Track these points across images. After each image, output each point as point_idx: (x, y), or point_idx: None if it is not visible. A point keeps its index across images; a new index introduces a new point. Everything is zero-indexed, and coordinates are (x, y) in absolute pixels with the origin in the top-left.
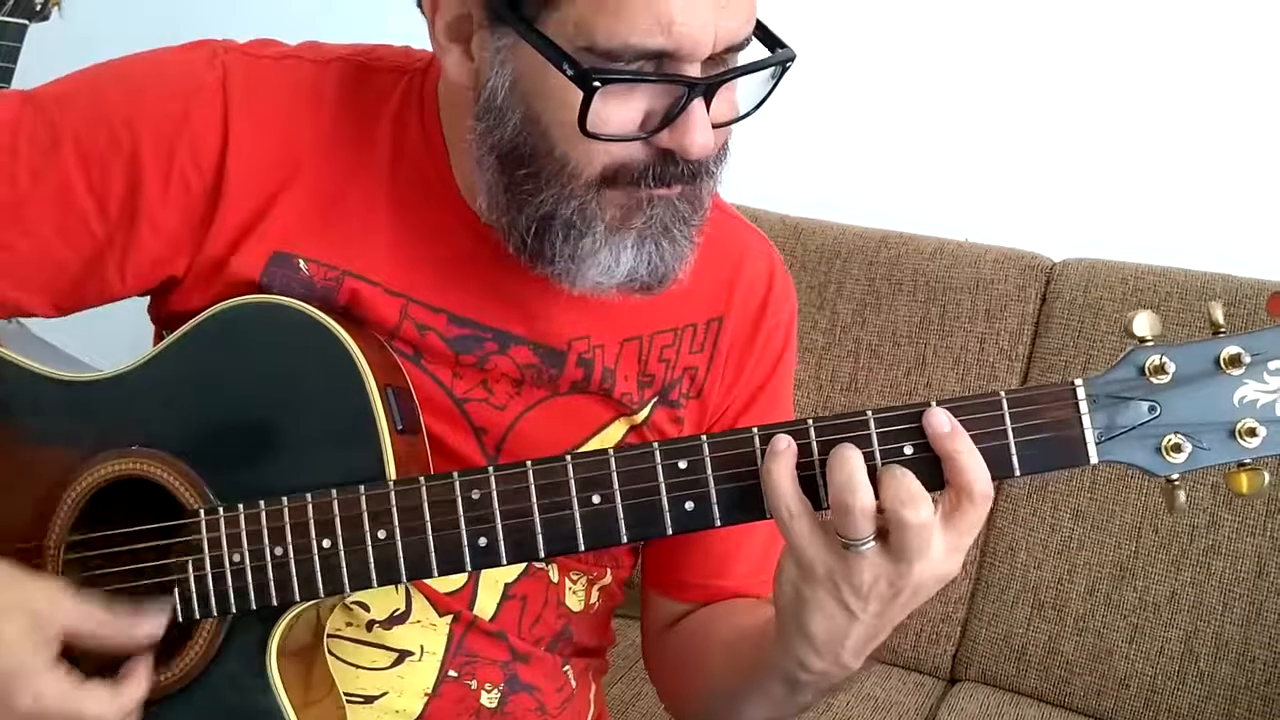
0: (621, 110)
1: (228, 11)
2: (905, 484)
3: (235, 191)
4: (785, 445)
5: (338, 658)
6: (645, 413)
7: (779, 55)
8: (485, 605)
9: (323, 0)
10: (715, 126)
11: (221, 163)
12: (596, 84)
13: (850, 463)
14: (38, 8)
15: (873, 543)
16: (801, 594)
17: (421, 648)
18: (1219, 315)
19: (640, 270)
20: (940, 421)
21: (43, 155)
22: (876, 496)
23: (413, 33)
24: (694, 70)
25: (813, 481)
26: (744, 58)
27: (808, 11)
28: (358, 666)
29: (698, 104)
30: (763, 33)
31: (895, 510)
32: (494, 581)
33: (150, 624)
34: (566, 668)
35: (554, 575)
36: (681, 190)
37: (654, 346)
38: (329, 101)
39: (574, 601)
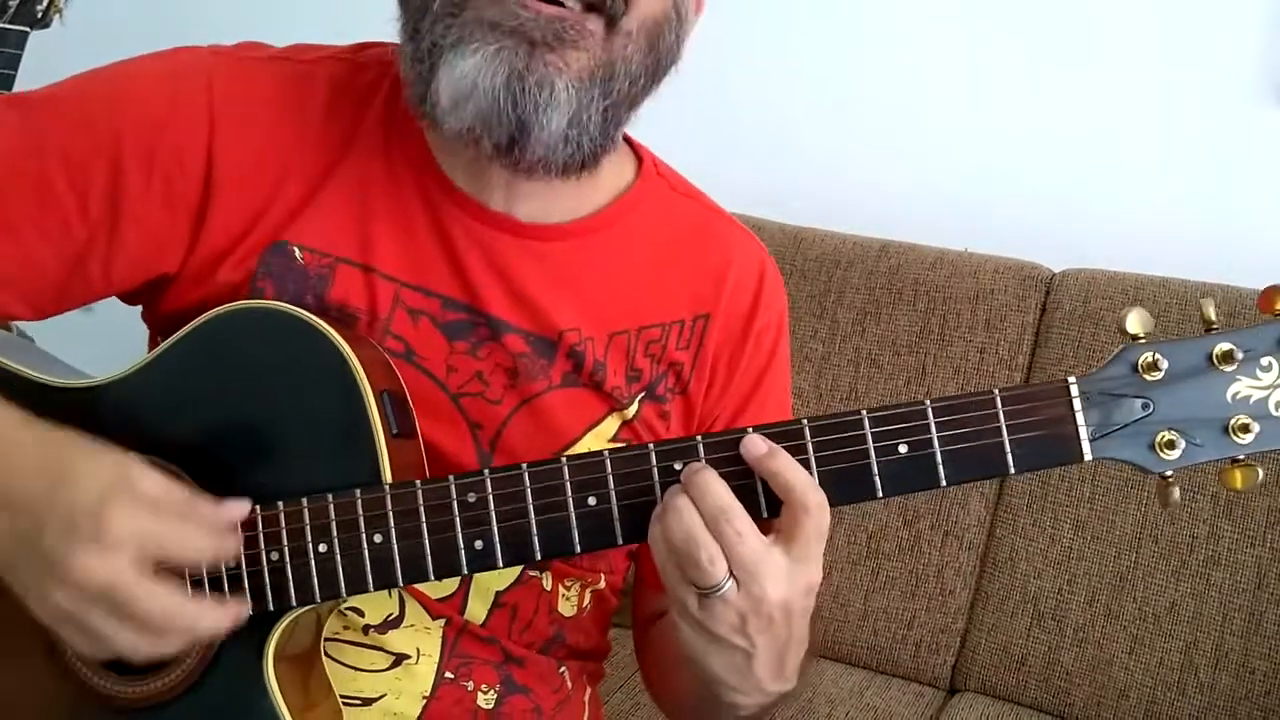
0: None
1: (230, 20)
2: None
3: (227, 188)
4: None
5: (336, 660)
6: (634, 408)
7: None
8: (476, 611)
9: (325, 9)
10: None
11: (209, 161)
12: None
13: (686, 517)
14: (39, 15)
15: (730, 583)
16: (695, 647)
17: (418, 650)
18: (1211, 312)
19: (485, 83)
20: (757, 445)
21: (26, 157)
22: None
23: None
24: None
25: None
26: None
27: (807, 22)
28: (356, 669)
29: None
30: None
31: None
32: (485, 588)
33: (236, 509)
34: (563, 669)
35: (547, 583)
36: (570, 19)
37: (641, 341)
38: (319, 97)
39: (566, 608)
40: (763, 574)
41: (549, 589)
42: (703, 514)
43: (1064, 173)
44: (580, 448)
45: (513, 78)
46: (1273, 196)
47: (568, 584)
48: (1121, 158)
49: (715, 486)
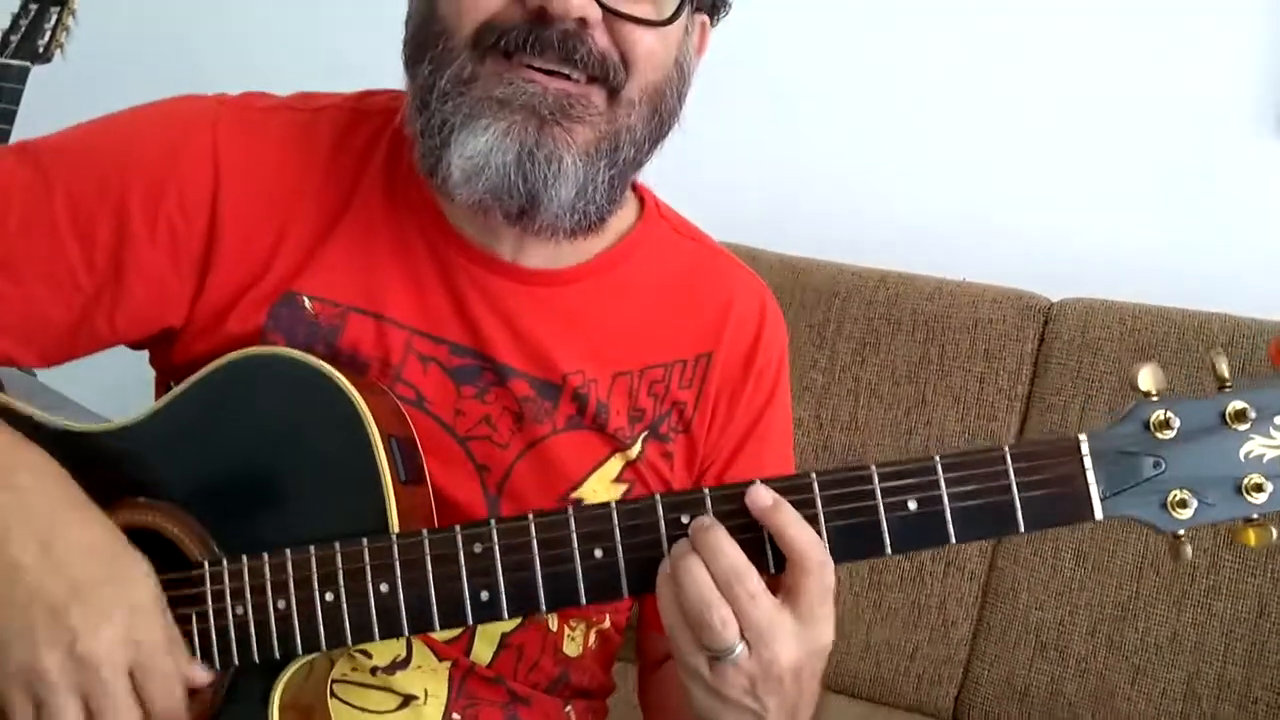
0: None
1: (231, 54)
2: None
3: (231, 239)
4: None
5: (344, 701)
6: (638, 447)
7: None
8: (482, 653)
9: (320, 49)
10: (610, 11)
11: (213, 211)
12: None
13: (699, 579)
14: (40, 50)
15: (741, 646)
16: (706, 709)
17: (425, 691)
18: (1224, 369)
19: (498, 160)
20: (762, 496)
21: (34, 206)
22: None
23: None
24: None
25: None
26: None
27: (805, 54)
28: (365, 710)
29: None
30: None
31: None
32: (491, 630)
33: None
34: (568, 709)
35: (553, 625)
36: (575, 94)
37: (644, 381)
38: (323, 146)
39: (572, 648)
40: (774, 637)
41: (554, 630)
42: (714, 575)
43: (1062, 202)
44: (585, 489)
45: (523, 154)
46: (1270, 225)
47: (573, 625)
48: (1119, 187)
49: (727, 547)
